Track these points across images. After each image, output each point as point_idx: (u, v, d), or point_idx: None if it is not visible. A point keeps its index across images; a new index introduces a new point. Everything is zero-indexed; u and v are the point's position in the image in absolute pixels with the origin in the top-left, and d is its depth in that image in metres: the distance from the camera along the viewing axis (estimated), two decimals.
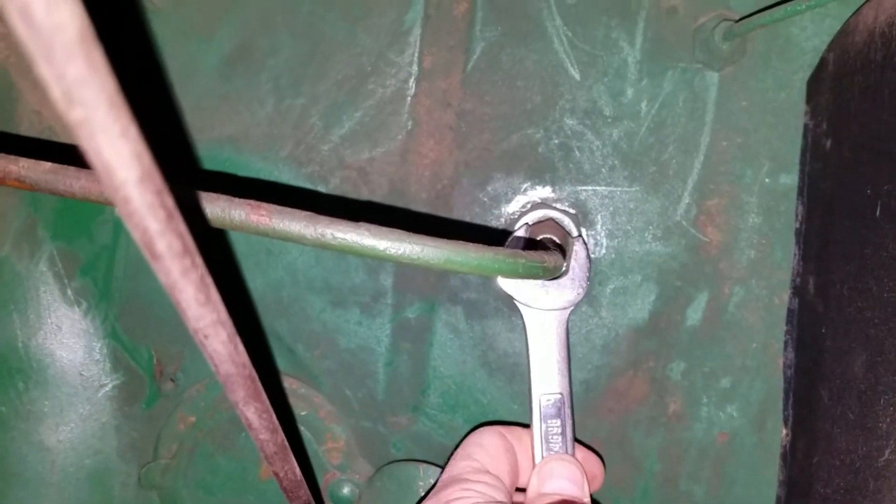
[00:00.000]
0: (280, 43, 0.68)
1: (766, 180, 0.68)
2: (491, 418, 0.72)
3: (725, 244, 0.68)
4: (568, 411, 0.64)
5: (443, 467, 0.63)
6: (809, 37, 0.66)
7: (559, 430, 0.64)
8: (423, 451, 0.73)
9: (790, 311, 0.68)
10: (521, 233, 0.66)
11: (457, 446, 0.65)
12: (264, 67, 0.68)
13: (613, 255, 0.68)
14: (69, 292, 0.71)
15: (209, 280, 0.31)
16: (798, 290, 0.67)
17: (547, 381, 0.64)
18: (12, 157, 0.44)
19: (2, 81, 0.70)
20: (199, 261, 0.30)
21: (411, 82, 0.69)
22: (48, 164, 0.43)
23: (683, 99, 0.67)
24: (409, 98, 0.69)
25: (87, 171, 0.43)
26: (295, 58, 0.68)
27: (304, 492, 0.50)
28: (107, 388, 0.72)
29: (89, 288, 0.70)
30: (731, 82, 0.67)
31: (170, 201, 0.27)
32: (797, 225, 0.67)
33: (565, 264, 0.60)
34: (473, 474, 0.59)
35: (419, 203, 0.70)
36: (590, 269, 0.65)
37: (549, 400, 0.64)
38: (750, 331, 0.69)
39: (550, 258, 0.55)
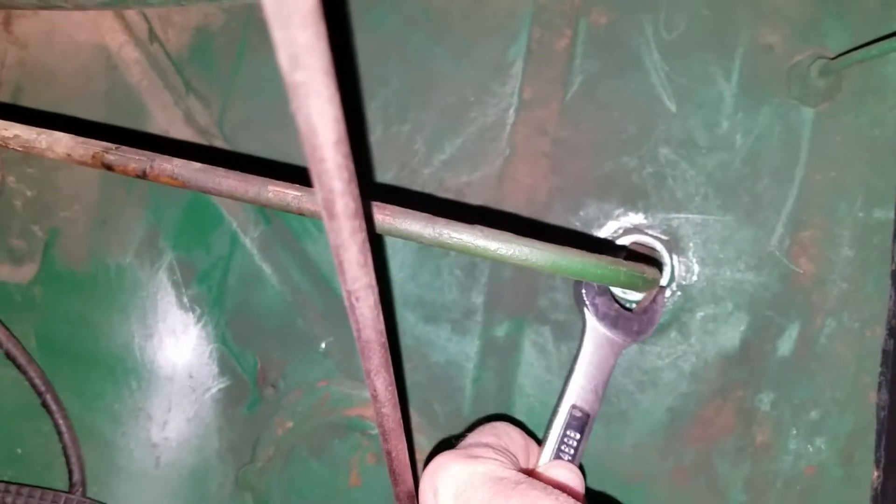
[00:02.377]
0: (391, 73, 0.73)
1: (860, 214, 0.69)
2: None
3: (818, 276, 0.69)
4: (588, 432, 0.65)
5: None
6: None
7: (574, 444, 0.65)
8: None
9: (885, 351, 0.68)
10: (622, 242, 0.69)
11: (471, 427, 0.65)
12: (375, 95, 0.73)
13: (704, 283, 0.70)
14: (185, 299, 0.76)
15: (368, 247, 0.34)
16: (893, 331, 0.67)
17: (584, 396, 0.65)
18: (166, 156, 0.49)
19: (135, 103, 0.76)
20: (364, 226, 0.33)
21: (511, 112, 0.72)
22: (198, 164, 0.48)
23: (778, 132, 0.69)
24: (507, 126, 0.72)
25: (233, 172, 0.47)
26: (403, 87, 0.73)
27: (409, 477, 0.52)
28: (212, 391, 0.77)
29: (204, 296, 0.75)
30: (826, 118, 0.68)
31: (352, 167, 0.30)
32: (893, 267, 0.68)
33: (661, 283, 0.62)
34: (498, 446, 0.59)
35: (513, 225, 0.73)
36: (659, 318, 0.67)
37: (578, 413, 0.65)
38: (841, 363, 0.69)
39: (650, 270, 0.57)
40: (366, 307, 0.37)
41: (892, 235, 0.67)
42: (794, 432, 0.70)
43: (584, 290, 0.66)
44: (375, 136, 0.74)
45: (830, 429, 0.70)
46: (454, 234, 0.46)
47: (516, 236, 0.47)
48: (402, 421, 0.48)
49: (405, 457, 0.51)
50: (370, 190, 0.74)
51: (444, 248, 0.46)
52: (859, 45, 0.65)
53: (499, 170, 0.73)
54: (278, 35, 0.25)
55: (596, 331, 0.66)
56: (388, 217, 0.46)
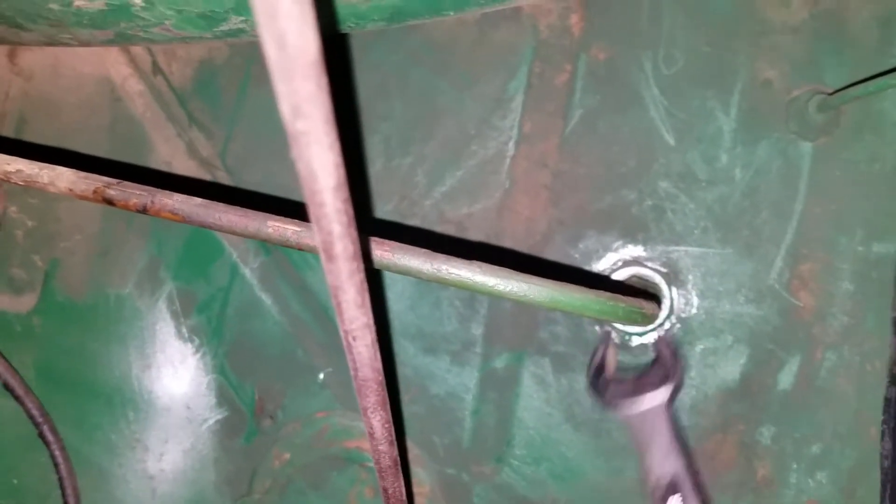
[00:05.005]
0: (393, 107, 0.74)
1: (860, 248, 0.69)
2: (575, 473, 0.73)
3: (818, 309, 0.69)
4: (688, 484, 0.63)
5: None
6: None
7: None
8: (506, 502, 0.75)
9: (887, 399, 0.68)
10: (617, 277, 0.69)
11: None
12: (377, 130, 0.74)
13: (704, 316, 0.70)
14: (184, 329, 0.76)
15: (366, 288, 0.35)
16: (895, 379, 0.67)
17: (662, 468, 0.64)
18: (167, 192, 0.49)
19: (138, 135, 0.77)
20: (362, 268, 0.34)
21: (511, 145, 0.73)
22: (199, 200, 0.48)
23: (777, 167, 0.69)
24: (508, 159, 0.73)
25: (233, 208, 0.48)
26: (405, 121, 0.74)
27: None
28: (210, 423, 0.76)
29: (203, 326, 0.76)
30: (824, 152, 0.69)
31: (351, 211, 0.31)
32: (894, 313, 0.68)
33: (659, 315, 0.62)
34: None
35: (512, 258, 0.73)
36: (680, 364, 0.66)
37: (664, 482, 0.64)
38: (842, 397, 0.69)
39: (648, 305, 0.57)
40: (363, 346, 0.38)
41: (894, 281, 0.68)
42: (796, 466, 0.70)
43: (594, 391, 0.65)
44: (376, 168, 0.75)
45: (832, 463, 0.69)
46: (452, 270, 0.46)
47: (514, 272, 0.48)
48: (398, 458, 0.48)
49: (402, 493, 0.51)
50: (370, 224, 0.75)
51: (443, 284, 0.47)
52: (857, 80, 0.66)
53: (499, 202, 0.74)
54: (281, 87, 0.25)
55: (630, 415, 0.65)
56: (387, 253, 0.47)
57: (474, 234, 0.74)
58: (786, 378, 0.70)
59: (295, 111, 0.26)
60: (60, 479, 0.75)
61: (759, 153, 0.70)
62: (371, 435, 0.45)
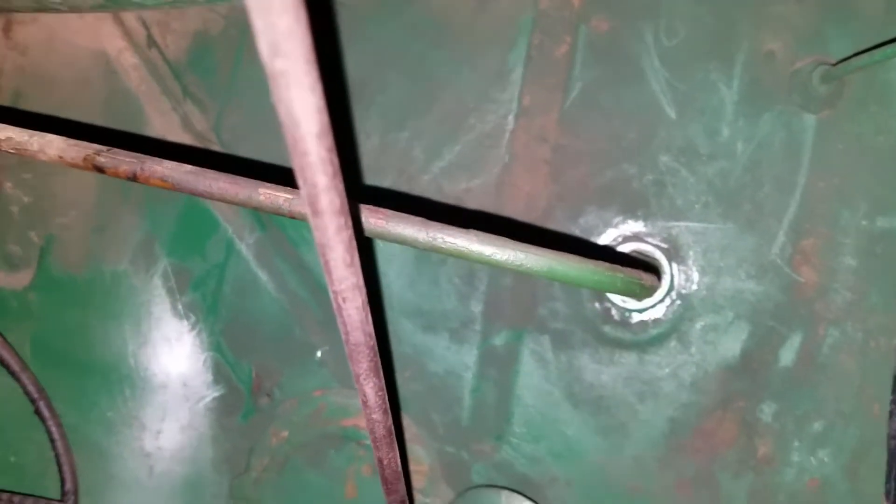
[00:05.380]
0: (390, 81, 0.72)
1: (863, 222, 0.68)
2: (575, 451, 0.72)
3: (821, 285, 0.68)
4: None
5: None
6: None
7: None
8: (506, 480, 0.74)
9: (895, 379, 0.67)
10: (621, 249, 0.68)
11: None
12: (374, 103, 0.73)
13: (705, 292, 0.69)
14: (179, 306, 0.75)
15: (355, 245, 0.34)
16: None
17: None
18: (157, 159, 0.49)
19: (133, 108, 0.76)
20: (350, 223, 0.33)
21: (510, 118, 0.72)
22: (189, 167, 0.47)
23: (780, 140, 0.68)
24: (507, 133, 0.72)
25: (224, 175, 0.47)
26: (403, 95, 0.73)
27: (402, 486, 0.52)
28: (206, 400, 0.76)
29: (198, 303, 0.75)
30: (828, 125, 0.68)
31: (336, 161, 0.30)
32: None
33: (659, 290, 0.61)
34: None
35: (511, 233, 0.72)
36: None
37: None
38: (845, 374, 0.68)
39: (648, 277, 0.56)
40: (353, 308, 0.37)
41: None
42: (797, 444, 0.69)
43: None
44: (373, 142, 0.74)
45: (835, 441, 0.69)
46: (448, 239, 0.46)
47: (512, 241, 0.47)
48: (392, 428, 0.47)
49: (397, 465, 0.50)
50: (365, 194, 0.74)
51: (439, 253, 0.46)
52: (861, 51, 0.65)
53: (498, 177, 0.73)
54: (258, 22, 0.24)
55: None
56: (381, 221, 0.46)
57: (473, 210, 0.73)
58: (787, 354, 0.69)
59: (273, 48, 0.25)
60: (57, 456, 0.75)
61: (761, 126, 0.69)
62: (364, 403, 0.44)
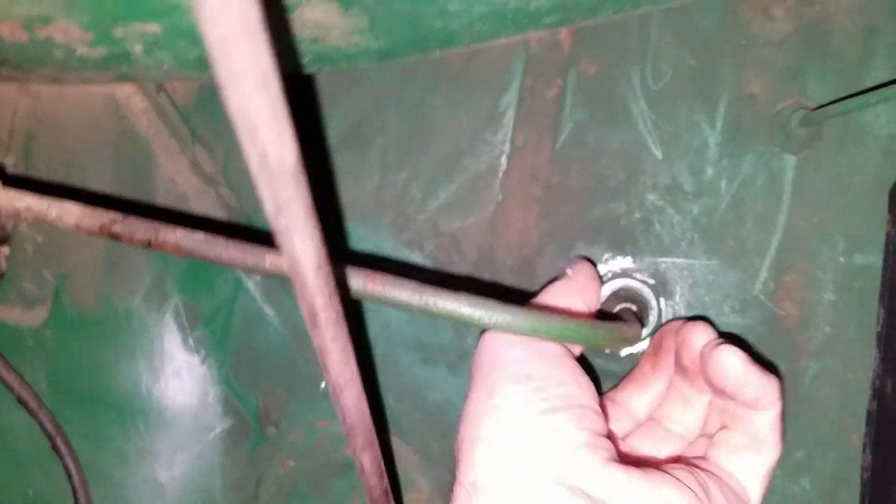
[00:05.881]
0: (388, 123, 0.76)
1: (841, 259, 0.71)
2: None
3: (802, 319, 0.71)
4: None
5: None
6: (883, 125, 0.70)
7: None
8: None
9: (869, 412, 0.70)
10: (606, 289, 0.71)
11: None
12: (373, 144, 0.76)
13: None
14: (190, 341, 0.79)
15: (350, 346, 0.37)
16: (877, 393, 0.69)
17: None
18: (170, 226, 0.52)
19: (143, 152, 0.80)
20: (345, 330, 0.36)
21: (503, 158, 0.75)
22: (201, 235, 0.51)
23: (762, 179, 0.71)
24: (500, 173, 0.75)
25: (234, 242, 0.50)
26: (400, 136, 0.76)
27: None
28: (216, 431, 0.80)
29: (208, 338, 0.79)
30: (807, 165, 0.71)
31: (332, 284, 0.33)
32: (878, 328, 0.70)
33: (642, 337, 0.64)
34: None
35: (506, 269, 0.76)
36: None
37: None
38: (824, 405, 0.72)
39: (630, 329, 0.60)
40: (349, 398, 0.40)
41: (879, 297, 0.69)
42: (779, 472, 0.72)
43: None
44: (374, 181, 0.77)
45: (814, 469, 0.72)
46: (440, 303, 0.49)
47: (499, 304, 0.50)
48: (388, 488, 0.51)
49: None
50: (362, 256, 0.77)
51: (432, 316, 0.49)
52: (840, 94, 0.68)
53: (492, 215, 0.76)
54: (264, 191, 0.28)
55: None
56: (377, 287, 0.49)
57: (468, 247, 0.77)
58: None
59: (277, 210, 0.29)
60: (74, 490, 0.78)
61: (743, 166, 0.72)
62: (362, 470, 0.47)
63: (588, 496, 0.48)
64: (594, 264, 0.72)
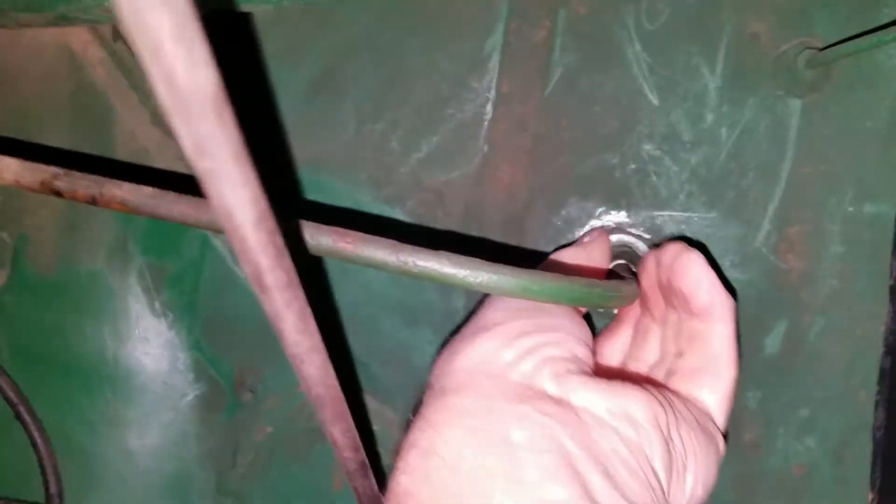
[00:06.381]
0: (363, 70, 0.70)
1: (850, 209, 0.67)
2: None
3: (807, 273, 0.67)
4: None
5: None
6: None
7: None
8: None
9: (882, 370, 0.67)
10: None
11: None
12: (347, 93, 0.71)
13: None
14: (157, 305, 0.74)
15: (308, 310, 0.33)
16: (891, 349, 0.66)
17: None
18: (116, 181, 0.47)
19: (101, 104, 0.74)
20: (300, 293, 0.32)
21: (489, 107, 0.70)
22: (149, 189, 0.46)
23: (765, 125, 0.67)
24: (485, 122, 0.70)
25: (185, 197, 0.45)
26: (377, 84, 0.71)
27: None
28: (189, 398, 0.76)
29: (176, 301, 0.74)
30: (813, 110, 0.66)
31: (279, 240, 0.29)
32: (891, 281, 0.66)
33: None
34: None
35: (493, 226, 0.72)
36: None
37: None
38: (830, 361, 0.68)
39: (627, 287, 0.55)
40: (312, 368, 0.36)
41: (892, 248, 0.65)
42: (783, 431, 0.69)
43: None
44: (349, 134, 0.72)
45: (820, 428, 0.69)
46: (419, 263, 0.44)
47: (485, 262, 0.46)
48: (365, 460, 0.47)
49: (374, 490, 0.50)
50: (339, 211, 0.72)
51: (410, 277, 0.45)
52: (848, 33, 0.63)
53: (477, 168, 0.71)
54: (177, 126, 0.23)
55: None
56: (348, 245, 0.45)
57: (453, 202, 0.72)
58: (773, 342, 0.69)
59: (198, 150, 0.24)
60: (40, 459, 0.75)
61: (745, 112, 0.67)
62: (334, 444, 0.43)
63: (553, 399, 0.48)
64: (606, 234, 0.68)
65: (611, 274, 0.66)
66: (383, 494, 0.49)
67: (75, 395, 0.76)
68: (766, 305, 0.69)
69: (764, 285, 0.68)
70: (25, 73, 0.78)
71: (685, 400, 0.56)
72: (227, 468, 0.77)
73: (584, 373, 0.51)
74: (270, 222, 0.28)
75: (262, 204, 0.27)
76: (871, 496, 0.68)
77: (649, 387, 0.52)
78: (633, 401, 0.49)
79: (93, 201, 0.45)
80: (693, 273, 0.56)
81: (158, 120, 0.74)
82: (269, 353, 0.75)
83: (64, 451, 0.77)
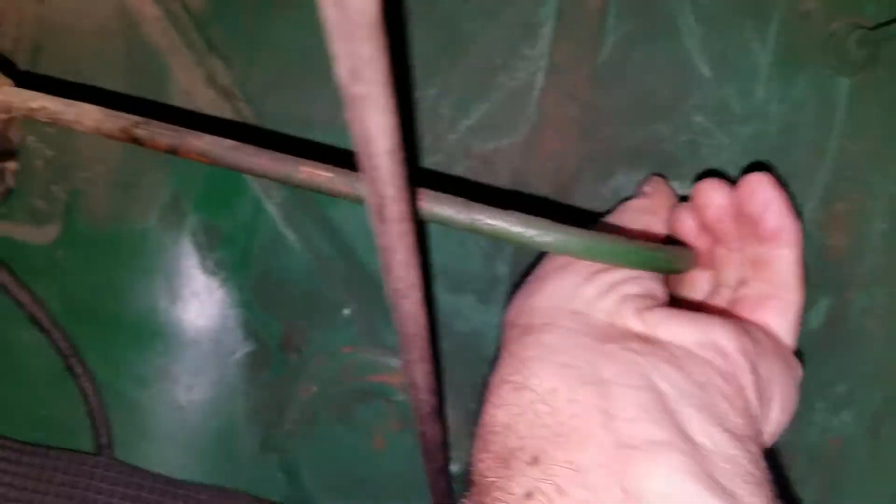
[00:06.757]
0: (417, 35, 0.71)
1: (895, 188, 0.67)
2: None
3: (851, 249, 0.69)
4: None
5: None
6: None
7: None
8: None
9: None
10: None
11: None
12: (401, 57, 0.71)
13: None
14: (208, 263, 0.76)
15: (416, 247, 0.34)
16: None
17: None
18: (196, 132, 0.48)
19: (156, 63, 0.75)
20: (413, 227, 0.33)
21: (540, 76, 0.71)
22: (229, 142, 0.47)
23: (814, 102, 0.68)
24: (536, 91, 0.71)
25: (265, 151, 0.47)
26: (430, 49, 0.71)
27: (442, 455, 0.53)
28: (237, 356, 0.77)
29: (227, 260, 0.76)
30: (862, 89, 0.67)
31: (405, 173, 0.30)
32: None
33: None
34: None
35: (540, 194, 0.72)
36: None
37: None
38: (870, 338, 0.70)
39: (685, 253, 0.57)
40: (410, 304, 0.38)
41: None
42: (820, 405, 0.71)
43: None
44: (401, 99, 0.73)
45: (857, 403, 0.70)
46: (489, 221, 0.46)
47: (553, 223, 0.47)
48: (437, 406, 0.49)
49: (438, 438, 0.52)
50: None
51: (480, 235, 0.46)
52: None
53: (527, 137, 0.72)
54: (339, 48, 0.24)
55: None
56: (420, 201, 0.46)
57: (500, 170, 0.73)
58: (816, 318, 0.70)
59: (353, 74, 0.25)
60: (90, 411, 0.77)
61: (795, 88, 0.68)
62: (413, 385, 0.45)
63: (640, 336, 0.49)
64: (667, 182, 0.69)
65: (670, 239, 0.67)
66: (445, 445, 0.51)
67: (125, 349, 0.78)
68: (811, 281, 0.69)
69: (809, 260, 0.69)
70: (79, 30, 0.79)
71: (760, 327, 0.57)
72: (272, 426, 0.79)
73: (666, 307, 0.51)
74: (400, 155, 0.30)
75: (398, 135, 0.29)
76: None
77: (728, 317, 0.52)
78: (719, 331, 0.49)
79: (173, 151, 0.47)
80: (763, 195, 0.57)
81: (213, 81, 0.75)
82: (315, 314, 0.77)
83: (113, 404, 0.79)
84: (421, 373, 0.44)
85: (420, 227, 0.73)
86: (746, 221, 0.59)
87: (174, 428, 0.78)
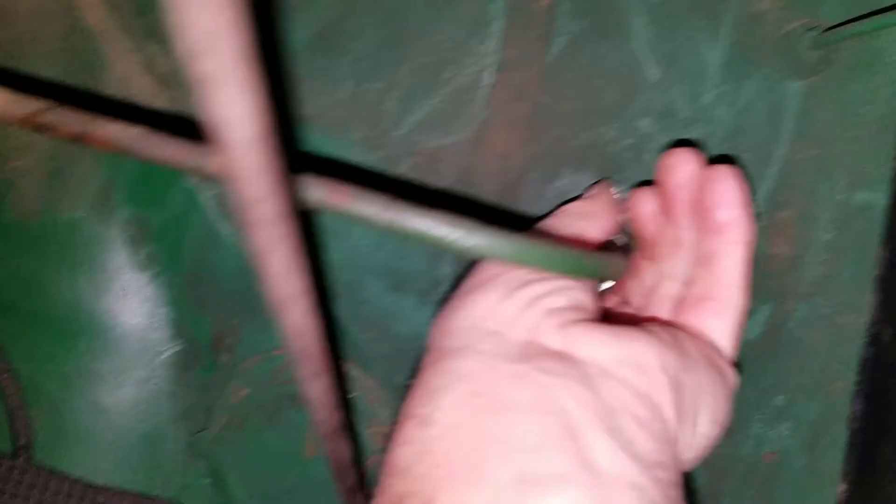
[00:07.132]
0: (364, 27, 0.69)
1: (840, 196, 0.67)
2: None
3: (793, 258, 0.68)
4: None
5: None
6: None
7: None
8: None
9: (863, 360, 0.67)
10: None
11: None
12: (346, 50, 0.70)
13: None
14: (139, 257, 0.73)
15: (299, 252, 0.31)
16: (874, 339, 0.65)
17: None
18: (105, 119, 0.45)
19: (93, 48, 0.73)
20: (292, 231, 0.30)
21: (489, 73, 0.69)
22: (139, 129, 0.44)
23: (763, 107, 0.67)
24: (485, 88, 0.70)
25: (176, 139, 0.44)
26: (377, 42, 0.69)
27: (352, 474, 0.50)
28: (165, 355, 0.74)
29: (158, 255, 0.73)
30: (814, 93, 0.66)
31: (279, 165, 0.27)
32: (878, 272, 0.66)
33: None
34: None
35: (485, 194, 0.71)
36: None
37: None
38: (810, 349, 0.68)
39: (617, 262, 0.55)
40: (296, 316, 0.34)
41: (880, 238, 0.65)
42: (757, 417, 0.69)
43: None
44: (345, 92, 0.71)
45: (795, 416, 0.69)
46: (410, 222, 0.42)
47: (480, 225, 0.44)
48: (342, 422, 0.46)
49: (346, 456, 0.49)
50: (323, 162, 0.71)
51: (401, 236, 0.42)
52: (855, 16, 0.63)
53: (474, 135, 0.70)
54: (181, 17, 0.20)
55: None
56: (343, 199, 0.43)
57: (446, 168, 0.71)
58: (754, 327, 0.69)
59: (199, 47, 0.21)
60: (10, 410, 0.73)
61: (744, 92, 0.67)
62: (310, 403, 0.41)
63: (557, 354, 0.46)
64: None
65: (608, 245, 0.65)
66: (356, 462, 0.48)
67: (50, 345, 0.75)
68: (752, 290, 0.68)
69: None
70: (15, 11, 0.76)
71: (693, 335, 0.55)
72: (200, 429, 0.75)
73: (589, 321, 0.49)
74: (272, 141, 0.26)
75: (267, 119, 0.25)
76: (842, 487, 0.68)
77: (656, 328, 0.50)
78: (639, 347, 0.47)
79: (77, 139, 0.44)
80: (723, 185, 0.56)
81: (152, 67, 0.73)
82: (249, 313, 0.74)
83: (35, 402, 0.75)
84: (318, 389, 0.40)
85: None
86: (701, 210, 0.58)
87: (97, 429, 0.75)
